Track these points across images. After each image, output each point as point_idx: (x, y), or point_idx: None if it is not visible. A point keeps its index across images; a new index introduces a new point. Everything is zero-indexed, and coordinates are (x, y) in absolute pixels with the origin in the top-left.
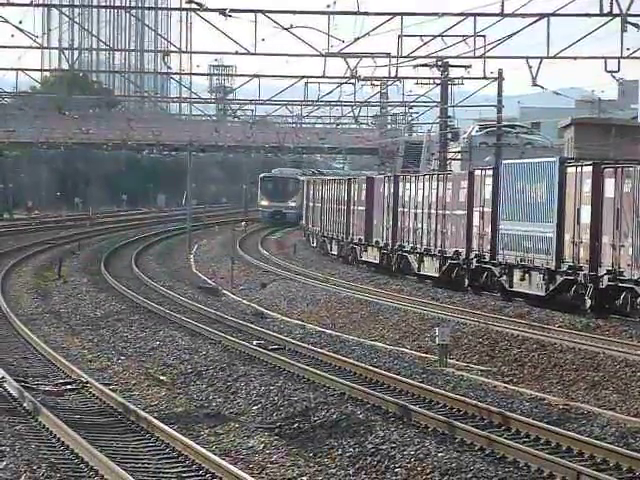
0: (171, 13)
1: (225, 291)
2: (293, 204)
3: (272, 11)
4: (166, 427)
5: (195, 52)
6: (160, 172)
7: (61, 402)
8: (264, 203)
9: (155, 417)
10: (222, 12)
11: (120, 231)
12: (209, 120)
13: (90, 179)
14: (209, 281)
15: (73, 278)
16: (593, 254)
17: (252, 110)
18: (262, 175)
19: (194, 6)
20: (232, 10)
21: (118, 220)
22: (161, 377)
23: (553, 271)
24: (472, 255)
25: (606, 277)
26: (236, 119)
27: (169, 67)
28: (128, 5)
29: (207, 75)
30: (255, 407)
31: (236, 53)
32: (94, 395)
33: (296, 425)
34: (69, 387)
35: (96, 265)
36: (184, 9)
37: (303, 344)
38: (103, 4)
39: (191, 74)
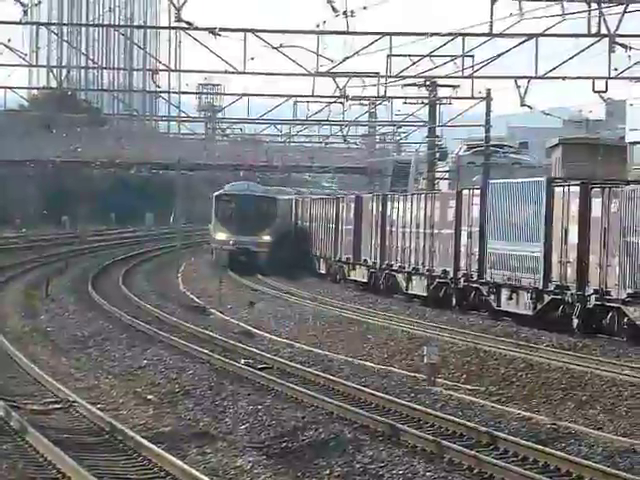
0: (160, 32)
1: (213, 310)
2: (267, 238)
3: (261, 30)
4: (153, 446)
5: (184, 71)
6: (149, 191)
7: (48, 421)
8: (220, 236)
9: (142, 436)
10: (211, 31)
11: (108, 249)
12: (198, 139)
13: (78, 197)
14: (197, 300)
15: (61, 297)
16: (580, 274)
17: (241, 129)
18: (218, 193)
19: (183, 25)
20: (221, 29)
21: (106, 238)
22: (149, 396)
23: (540, 290)
24: (460, 274)
25: (593, 297)
26: (225, 138)
27: (158, 86)
28: (117, 24)
29: (196, 94)
30: (243, 426)
31: (225, 72)
32: (81, 414)
33: (284, 444)
34: (56, 406)
35: (84, 284)
36: (173, 28)
37: (291, 363)
38: (92, 22)
39: (180, 93)
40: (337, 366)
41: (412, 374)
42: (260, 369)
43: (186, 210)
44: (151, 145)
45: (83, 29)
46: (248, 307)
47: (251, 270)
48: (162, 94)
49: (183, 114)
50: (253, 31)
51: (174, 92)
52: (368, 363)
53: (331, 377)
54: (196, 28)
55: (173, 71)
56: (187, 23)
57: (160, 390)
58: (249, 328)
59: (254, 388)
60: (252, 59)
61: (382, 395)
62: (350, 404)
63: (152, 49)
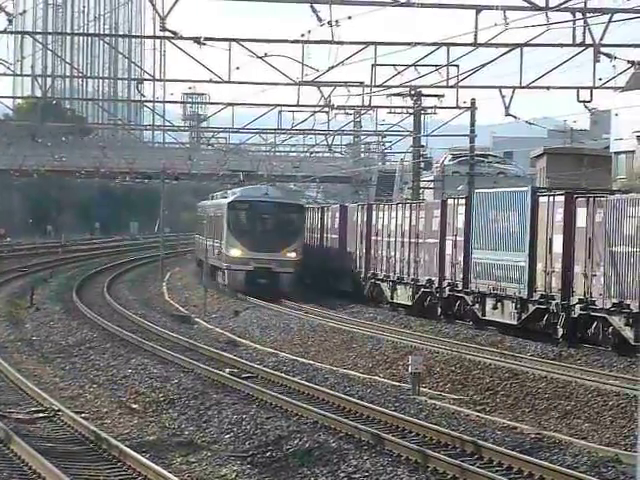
0: (145, 41)
1: (198, 319)
2: (292, 256)
3: (246, 40)
4: (138, 455)
5: (169, 80)
6: (133, 200)
7: (33, 430)
8: (235, 254)
9: (127, 445)
10: (196, 40)
11: (93, 259)
12: (183, 148)
13: (63, 206)
14: (182, 309)
15: (45, 306)
16: (565, 283)
17: (226, 138)
18: (231, 199)
19: (168, 34)
20: (206, 38)
21: (91, 248)
22: (133, 405)
23: (525, 300)
24: (445, 284)
25: (578, 306)
26: (210, 147)
27: (143, 95)
28: (102, 33)
29: (181, 103)
30: (227, 435)
31: (210, 81)
32: (66, 423)
33: (269, 454)
34: (41, 415)
35: (68, 293)
36: (158, 37)
37: (276, 372)
38: (77, 32)
39: (165, 102)
40: (322, 375)
41: (397, 383)
42: (245, 378)
43: (170, 219)
44: (136, 154)
45: (68, 38)
46: (233, 316)
47: (273, 295)
48: (147, 103)
49: (168, 123)
50: (238, 40)
51: (159, 101)
52: (353, 372)
53: (316, 386)
54: (181, 37)
55: (158, 80)
56: (172, 32)
57: (145, 399)
58: (234, 337)
59: (239, 397)
60: (237, 68)
61: (367, 404)
62: (334, 413)
63: (137, 58)
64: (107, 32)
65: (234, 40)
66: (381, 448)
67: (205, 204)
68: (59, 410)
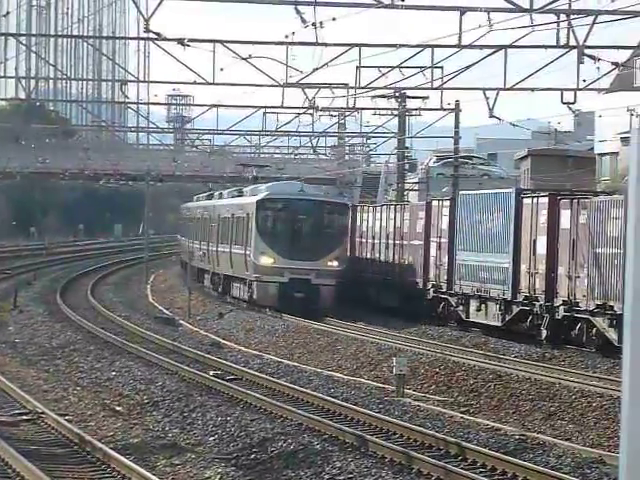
0: (129, 42)
1: (182, 321)
2: (334, 265)
3: (230, 41)
4: (122, 458)
5: (153, 82)
6: (117, 202)
7: (17, 433)
8: (265, 262)
9: (111, 448)
10: (180, 42)
11: (77, 261)
12: (167, 150)
13: (47, 209)
14: (166, 311)
15: (29, 308)
16: (549, 285)
17: (210, 140)
18: (260, 197)
19: (152, 36)
20: (190, 40)
21: (75, 250)
22: (117, 408)
23: (509, 301)
24: (429, 285)
25: (562, 308)
26: (194, 149)
27: (127, 96)
28: (86, 34)
29: (165, 105)
30: (212, 438)
31: (194, 83)
32: (50, 426)
33: (253, 456)
34: (25, 418)
35: (52, 295)
36: (142, 38)
37: (260, 374)
38: (61, 33)
39: (149, 104)
40: (306, 377)
41: (381, 385)
42: (229, 380)
43: (155, 221)
44: (120, 156)
45: (52, 40)
46: (217, 318)
47: (313, 312)
48: (131, 105)
49: (152, 125)
50: (222, 42)
51: (143, 103)
52: (337, 374)
53: (300, 388)
54: (165, 39)
55: (142, 82)
56: (156, 34)
57: (129, 401)
58: (218, 339)
59: (223, 399)
60: (221, 70)
61: (351, 406)
62: (319, 415)
63: (121, 60)
64: (91, 34)
65: (218, 41)
66: (365, 450)
67: (191, 205)
68: (43, 412)
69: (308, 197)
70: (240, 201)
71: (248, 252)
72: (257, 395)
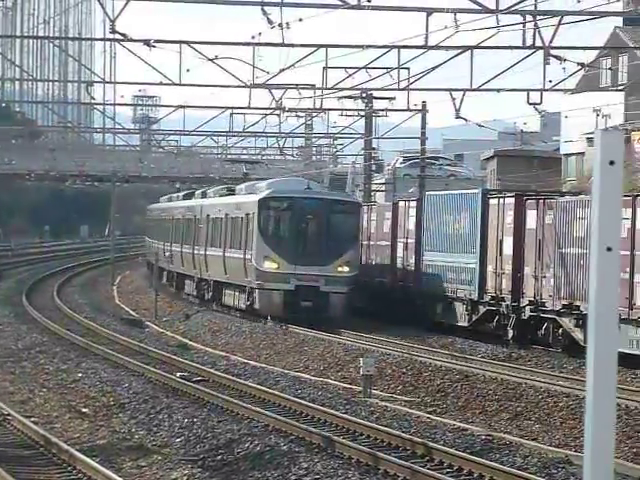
0: (95, 43)
1: (148, 323)
2: (346, 270)
3: (197, 42)
4: (88, 459)
5: (119, 82)
6: (84, 203)
7: None
8: (270, 266)
9: (77, 449)
10: (146, 43)
11: (43, 262)
12: (133, 150)
13: (12, 210)
14: (132, 312)
15: None
16: (515, 285)
17: (177, 141)
18: (263, 196)
19: (118, 37)
20: (156, 41)
21: (41, 251)
22: (83, 409)
23: (476, 302)
24: (397, 286)
25: (528, 308)
26: (160, 150)
27: (93, 97)
28: (51, 35)
29: (131, 105)
30: (178, 439)
31: (160, 84)
32: (15, 427)
33: (220, 457)
34: None
35: (18, 297)
36: (108, 39)
37: (227, 376)
38: (26, 34)
39: (115, 104)
40: (273, 378)
41: (348, 386)
42: (196, 382)
43: (122, 222)
44: (86, 157)
45: (17, 41)
46: (184, 320)
47: (323, 322)
48: (97, 106)
49: (118, 126)
50: (188, 43)
51: (109, 104)
52: (304, 375)
53: (267, 389)
54: (131, 40)
55: (108, 83)
56: (122, 35)
57: (95, 403)
58: (185, 341)
59: (190, 401)
60: (188, 71)
61: (318, 407)
62: (286, 416)
63: (87, 61)
64: (57, 35)
65: (184, 42)
66: (332, 451)
67: (165, 206)
68: (8, 414)
69: (316, 195)
70: (237, 200)
71: (248, 256)
72: (224, 396)
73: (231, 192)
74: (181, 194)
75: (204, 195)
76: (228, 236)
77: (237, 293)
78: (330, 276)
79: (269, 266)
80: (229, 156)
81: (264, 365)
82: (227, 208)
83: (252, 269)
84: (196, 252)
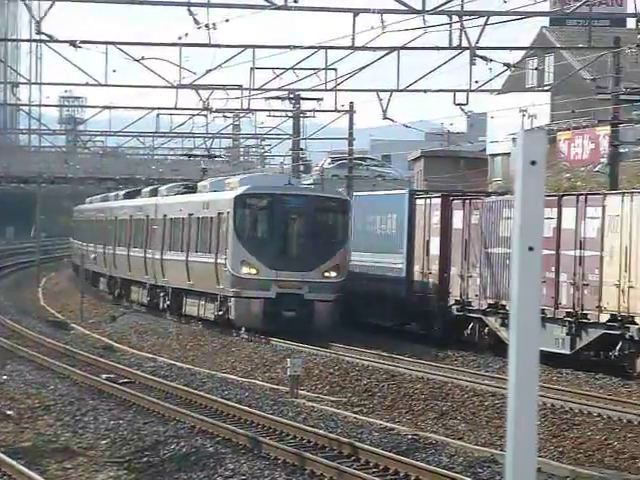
0: (21, 44)
1: (74, 324)
2: (333, 276)
3: (123, 43)
4: (13, 462)
5: (45, 83)
6: (9, 204)
7: None
8: (247, 272)
9: (2, 452)
10: (72, 43)
11: None
12: (59, 151)
13: None
14: (58, 314)
15: None
16: (442, 285)
17: (103, 141)
18: (239, 192)
19: (44, 37)
20: (82, 41)
21: None
22: (8, 412)
23: (403, 301)
24: None
25: (455, 307)
26: (87, 150)
27: (18, 98)
28: None
29: (57, 106)
30: (104, 441)
31: (87, 84)
32: None
33: (146, 459)
34: None
35: None
36: (34, 40)
37: (153, 377)
38: None
39: (40, 105)
40: (200, 380)
41: (275, 386)
42: (122, 384)
43: (47, 224)
44: (11, 158)
45: None
46: (110, 321)
47: (307, 333)
48: (22, 107)
49: (44, 127)
50: (115, 44)
51: (35, 105)
52: (231, 376)
53: (193, 391)
54: (56, 40)
55: (33, 84)
56: (47, 36)
57: (20, 405)
58: (111, 342)
59: (116, 403)
60: (114, 71)
61: (244, 408)
62: (212, 417)
63: (13, 62)
64: None
65: (111, 43)
66: (258, 451)
67: (100, 206)
68: None
69: (300, 192)
70: (205, 198)
71: (221, 261)
72: (150, 398)
73: (190, 189)
74: (121, 193)
75: (154, 193)
76: (193, 238)
77: (204, 302)
78: (315, 282)
79: (247, 272)
80: (155, 157)
81: (191, 366)
82: (191, 207)
83: (226, 275)
84: (149, 256)
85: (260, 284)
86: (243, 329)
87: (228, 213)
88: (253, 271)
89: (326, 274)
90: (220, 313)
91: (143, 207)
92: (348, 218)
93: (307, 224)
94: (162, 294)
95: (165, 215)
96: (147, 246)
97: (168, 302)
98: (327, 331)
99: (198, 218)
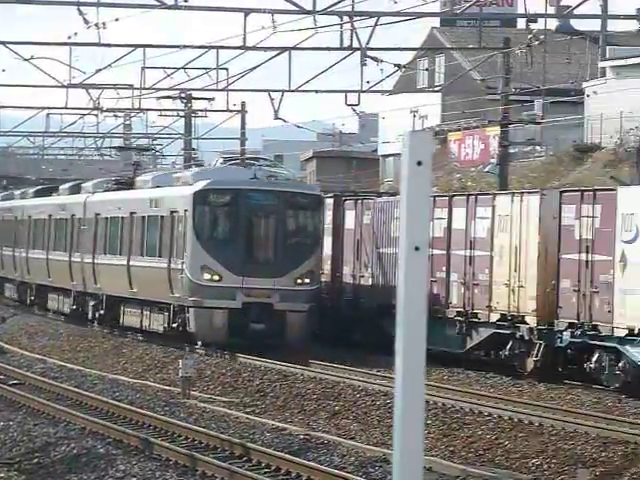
0: None
1: None
2: (306, 282)
3: (12, 42)
4: None
5: None
6: None
7: None
8: (208, 278)
9: None
10: None
11: None
12: None
13: None
14: None
15: None
16: (334, 285)
17: None
18: (199, 188)
19: None
20: None
21: None
22: None
23: None
24: None
25: (347, 307)
26: None
27: None
28: None
29: None
30: None
31: None
32: None
33: (36, 460)
34: None
35: None
36: None
37: (44, 379)
38: None
39: None
40: (90, 381)
41: (167, 387)
42: (11, 385)
43: None
44: None
45: None
46: (0, 323)
47: (277, 348)
48: None
49: None
50: (3, 43)
51: None
52: (122, 377)
53: (84, 392)
54: None
55: None
56: None
57: None
58: (1, 344)
59: (5, 404)
60: (3, 71)
61: (136, 409)
62: (103, 419)
63: None
64: None
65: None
66: (150, 453)
67: (8, 205)
68: None
69: (269, 187)
70: (153, 195)
71: (177, 266)
72: (40, 399)
73: (124, 185)
74: (31, 190)
75: (77, 190)
76: (137, 240)
77: (150, 312)
78: (287, 290)
79: (208, 278)
80: (45, 157)
81: (81, 368)
82: (133, 205)
83: (183, 282)
84: (76, 260)
85: (224, 293)
86: (199, 343)
87: (185, 212)
88: (216, 277)
89: (299, 281)
90: (174, 325)
91: (67, 205)
92: (322, 216)
93: (277, 223)
94: (93, 303)
95: (98, 214)
96: (73, 249)
97: (101, 312)
98: (300, 345)
99: (143, 217)
